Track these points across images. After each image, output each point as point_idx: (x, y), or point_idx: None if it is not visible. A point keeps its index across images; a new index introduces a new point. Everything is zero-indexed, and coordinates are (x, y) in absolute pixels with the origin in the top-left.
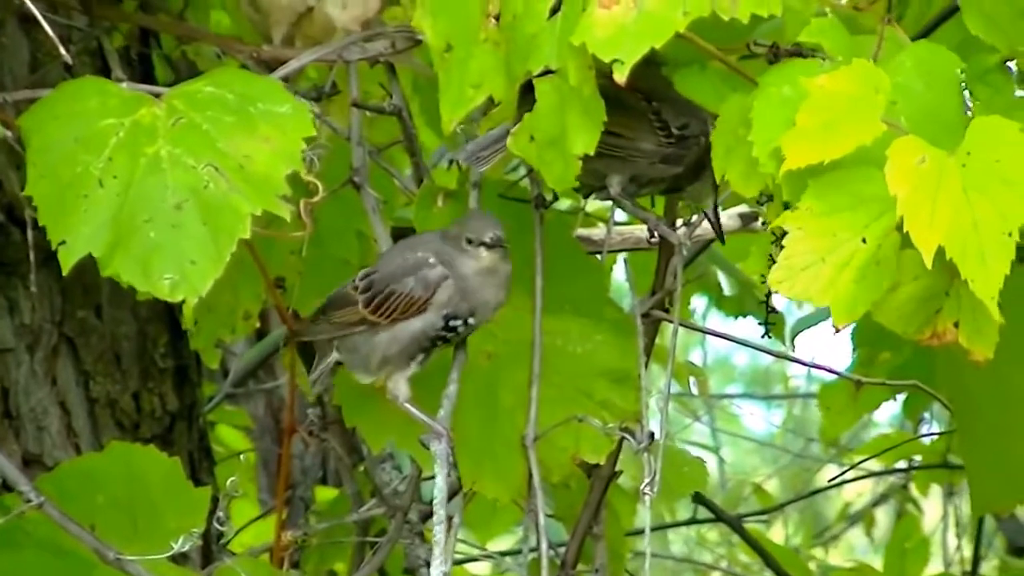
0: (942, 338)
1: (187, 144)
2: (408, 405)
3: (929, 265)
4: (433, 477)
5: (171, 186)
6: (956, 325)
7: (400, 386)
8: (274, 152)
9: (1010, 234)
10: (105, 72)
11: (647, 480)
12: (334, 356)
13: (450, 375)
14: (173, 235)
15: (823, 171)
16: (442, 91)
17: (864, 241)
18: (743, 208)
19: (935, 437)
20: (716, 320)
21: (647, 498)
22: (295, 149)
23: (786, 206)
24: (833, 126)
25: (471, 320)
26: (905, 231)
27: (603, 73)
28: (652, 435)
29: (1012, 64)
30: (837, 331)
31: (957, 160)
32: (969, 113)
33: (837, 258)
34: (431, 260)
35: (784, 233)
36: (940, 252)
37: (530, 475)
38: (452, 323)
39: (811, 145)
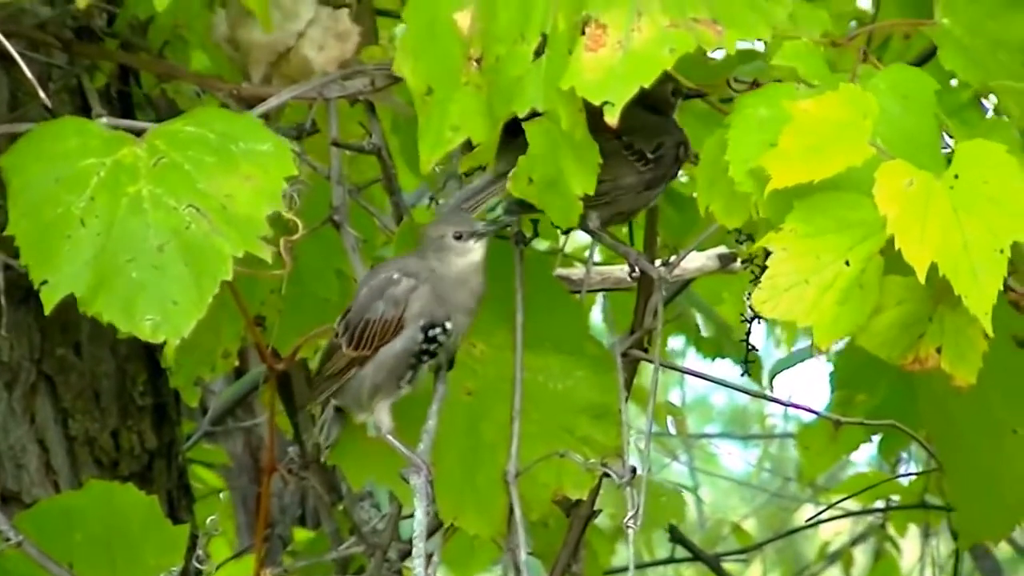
0: (924, 363)
1: (168, 184)
2: (390, 437)
3: (923, 280)
4: (412, 515)
5: (153, 227)
6: (939, 351)
7: (383, 417)
8: (256, 191)
9: (1002, 251)
10: (85, 110)
11: (630, 514)
12: (331, 406)
13: (430, 409)
14: (155, 276)
15: (808, 193)
16: (421, 133)
17: (848, 264)
18: (722, 249)
19: (913, 477)
20: (694, 360)
21: (630, 532)
22: (276, 188)
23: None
24: (819, 150)
25: (448, 326)
26: (889, 255)
27: None
28: (634, 469)
29: (987, 102)
30: (820, 353)
31: (945, 182)
32: (945, 135)
33: (821, 280)
34: (395, 276)
35: (768, 254)
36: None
37: (511, 511)
38: (431, 332)
39: (796, 165)
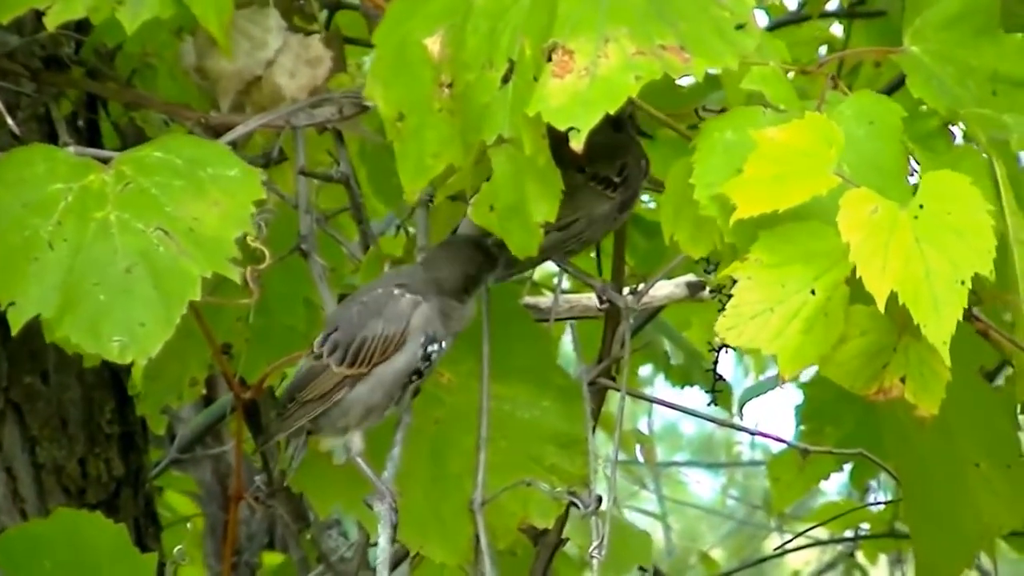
0: (888, 393)
1: (136, 209)
2: (359, 459)
3: (882, 309)
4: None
5: (120, 250)
6: (903, 380)
7: (355, 438)
8: (224, 215)
9: (963, 282)
10: (53, 138)
11: (595, 544)
12: (304, 433)
13: (394, 437)
14: (122, 298)
15: (773, 222)
16: (399, 161)
17: (813, 293)
18: (691, 277)
19: (882, 506)
20: (663, 388)
21: (595, 562)
22: (245, 212)
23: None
24: (784, 179)
25: (444, 344)
26: (855, 282)
27: None
28: (600, 499)
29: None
30: (784, 382)
31: (910, 212)
32: (912, 161)
33: (786, 308)
34: (395, 292)
35: (734, 282)
36: (889, 306)
37: (477, 540)
38: (429, 349)
39: (761, 194)
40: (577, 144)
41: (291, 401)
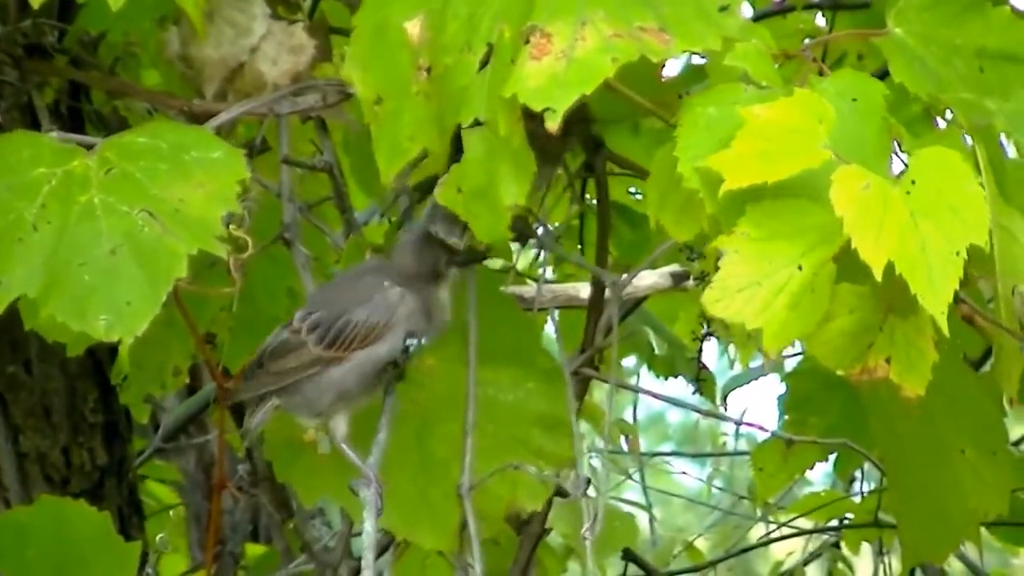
0: (873, 373)
1: (120, 192)
2: (344, 445)
3: (879, 278)
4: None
5: (105, 232)
6: (888, 361)
7: (340, 424)
8: (209, 196)
9: (958, 253)
10: (36, 127)
11: (587, 525)
12: (271, 403)
13: (379, 421)
14: (108, 279)
15: (760, 197)
16: (376, 144)
17: (800, 268)
18: (675, 267)
19: (866, 495)
20: (647, 379)
21: (588, 543)
22: (230, 192)
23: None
24: (772, 155)
25: (423, 340)
26: (842, 261)
27: None
28: (588, 480)
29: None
30: (769, 359)
31: (902, 188)
32: (894, 139)
33: (773, 283)
34: (386, 283)
35: (718, 268)
36: (874, 285)
37: (465, 525)
38: (408, 342)
39: (751, 167)
40: (553, 124)
41: (260, 367)
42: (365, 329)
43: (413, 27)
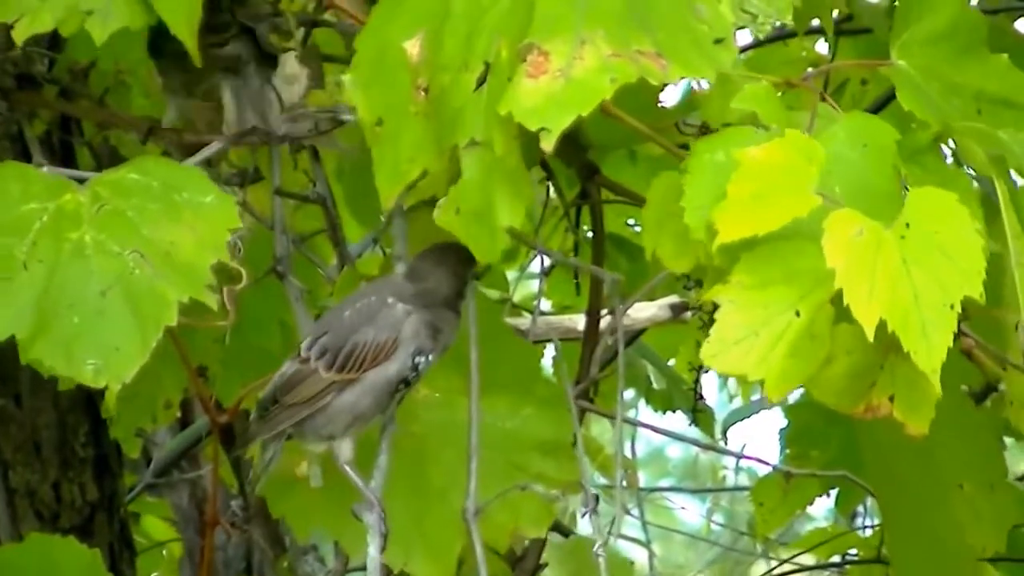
0: (877, 412)
1: (112, 230)
2: (348, 467)
3: (871, 338)
4: (357, 569)
5: (96, 272)
6: (891, 399)
7: (344, 446)
8: (199, 241)
9: (952, 306)
10: (26, 158)
11: (599, 543)
12: (283, 438)
13: (380, 445)
14: (97, 321)
15: (755, 244)
16: (376, 166)
17: (798, 314)
18: (673, 299)
19: (870, 531)
20: (646, 413)
21: (601, 560)
22: (221, 239)
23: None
24: (764, 197)
25: (431, 357)
26: (842, 305)
27: None
28: (597, 498)
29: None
30: (772, 406)
31: (896, 232)
32: (904, 185)
33: (770, 332)
34: (389, 301)
35: (715, 308)
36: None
37: (472, 550)
38: (417, 359)
39: (743, 217)
40: (548, 144)
41: (274, 403)
42: (374, 349)
43: (412, 47)
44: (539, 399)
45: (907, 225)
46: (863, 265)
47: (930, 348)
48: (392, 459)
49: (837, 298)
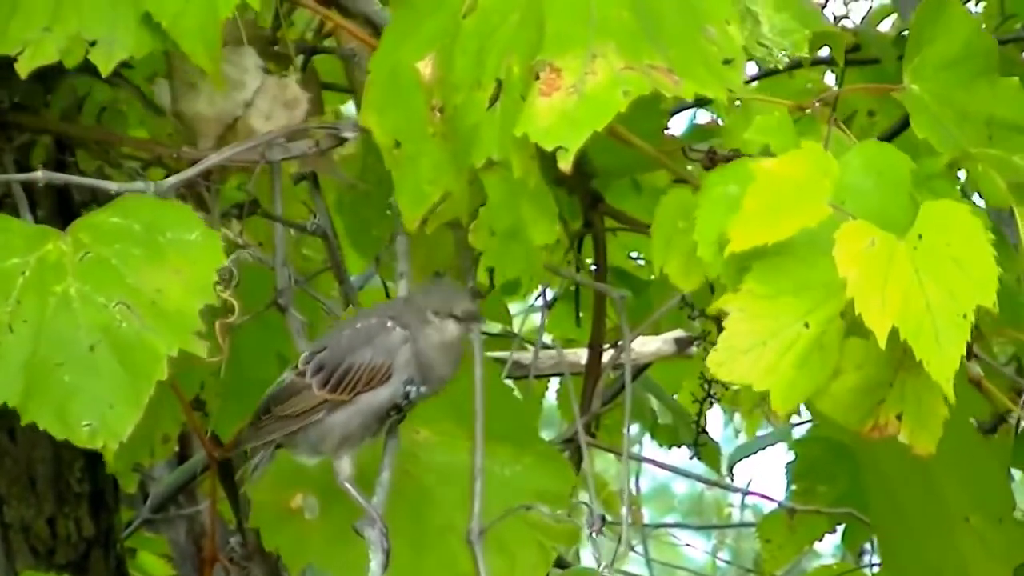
0: (884, 430)
1: (96, 281)
2: (348, 484)
3: (883, 346)
4: None
5: (83, 326)
6: (899, 417)
7: (344, 464)
8: (186, 285)
9: (965, 316)
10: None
11: (605, 563)
12: (273, 447)
13: (382, 462)
14: (89, 378)
15: (766, 254)
16: (397, 189)
17: (807, 326)
18: (678, 333)
19: (876, 568)
20: (651, 448)
21: None
22: (207, 281)
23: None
24: (778, 208)
25: (423, 389)
26: (851, 318)
27: None
28: (603, 518)
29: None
30: (779, 418)
31: (908, 243)
32: None
33: (780, 341)
34: (388, 324)
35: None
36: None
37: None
38: (408, 388)
39: (756, 226)
40: (565, 164)
41: (267, 413)
42: (369, 372)
43: (425, 67)
44: (536, 453)
45: (920, 236)
46: (875, 275)
47: (943, 357)
48: (389, 502)
49: (848, 311)
